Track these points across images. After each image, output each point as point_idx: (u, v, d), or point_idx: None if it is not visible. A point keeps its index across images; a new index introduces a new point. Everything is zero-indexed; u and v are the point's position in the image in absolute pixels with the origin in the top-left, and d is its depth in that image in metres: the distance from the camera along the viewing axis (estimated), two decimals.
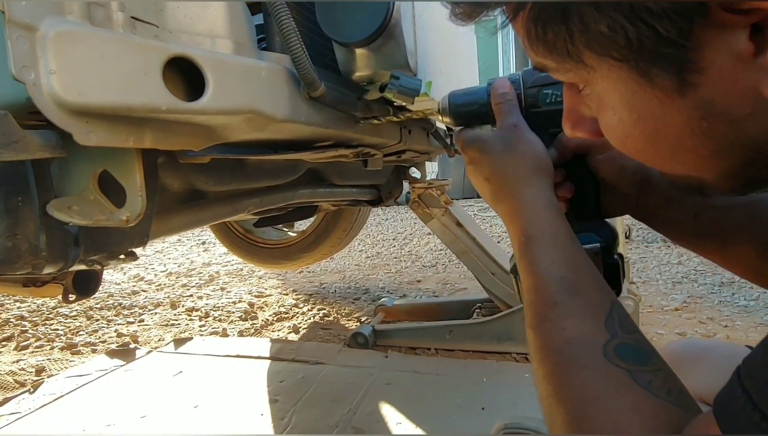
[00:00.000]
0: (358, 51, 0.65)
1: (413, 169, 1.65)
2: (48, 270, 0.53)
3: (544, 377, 0.41)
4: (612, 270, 0.54)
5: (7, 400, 1.36)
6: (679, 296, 2.06)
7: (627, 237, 3.22)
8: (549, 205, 0.50)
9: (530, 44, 0.35)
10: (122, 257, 0.62)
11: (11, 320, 2.04)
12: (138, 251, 0.66)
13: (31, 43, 0.36)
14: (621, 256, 0.55)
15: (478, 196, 6.22)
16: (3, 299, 2.27)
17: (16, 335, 1.89)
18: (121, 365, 1.56)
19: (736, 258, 0.54)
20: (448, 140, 1.31)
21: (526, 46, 0.36)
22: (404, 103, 0.73)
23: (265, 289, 2.50)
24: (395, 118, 0.73)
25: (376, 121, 0.74)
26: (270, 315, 2.08)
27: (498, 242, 3.23)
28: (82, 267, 0.59)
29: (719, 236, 0.54)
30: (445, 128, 1.42)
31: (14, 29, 0.35)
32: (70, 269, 0.57)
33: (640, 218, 0.59)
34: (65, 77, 0.37)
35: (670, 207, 0.56)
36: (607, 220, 0.58)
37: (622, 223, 1.85)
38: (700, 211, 0.54)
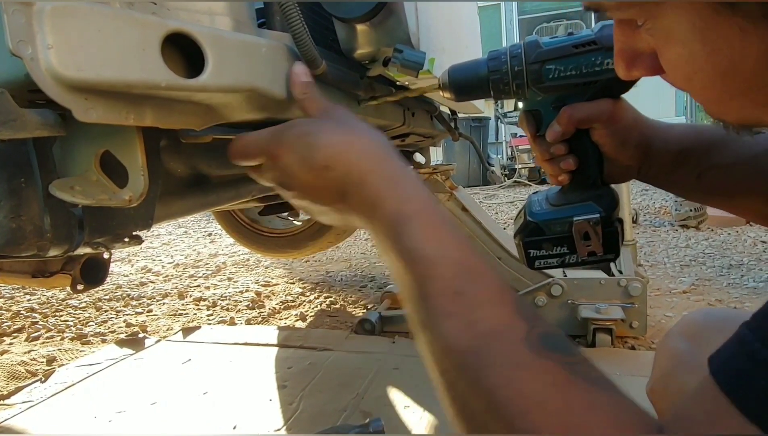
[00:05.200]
0: (359, 27, 0.65)
1: (417, 154, 1.64)
2: (53, 252, 0.53)
3: (458, 387, 0.33)
4: (610, 237, 0.56)
5: (19, 389, 1.38)
6: (688, 279, 2.04)
7: (634, 221, 3.20)
8: (419, 180, 0.42)
9: None
10: (127, 239, 0.62)
11: (22, 311, 2.06)
12: (145, 243, 0.66)
13: (27, 18, 0.36)
14: (621, 221, 0.56)
15: (485, 184, 6.08)
16: (13, 291, 2.29)
17: (27, 326, 1.91)
18: (131, 354, 1.58)
19: (745, 208, 0.55)
20: (452, 124, 1.30)
21: None
22: (407, 82, 0.72)
23: (272, 278, 2.51)
24: (398, 97, 0.72)
25: (377, 102, 0.74)
26: (277, 304, 2.09)
27: (504, 229, 3.22)
28: (88, 250, 0.59)
29: (725, 191, 0.54)
30: (449, 111, 1.41)
31: (10, 3, 0.35)
32: (75, 253, 0.57)
33: (644, 181, 0.60)
34: (63, 52, 0.36)
35: (672, 173, 0.57)
36: (610, 185, 0.59)
37: (627, 191, 1.84)
38: (703, 172, 0.54)
